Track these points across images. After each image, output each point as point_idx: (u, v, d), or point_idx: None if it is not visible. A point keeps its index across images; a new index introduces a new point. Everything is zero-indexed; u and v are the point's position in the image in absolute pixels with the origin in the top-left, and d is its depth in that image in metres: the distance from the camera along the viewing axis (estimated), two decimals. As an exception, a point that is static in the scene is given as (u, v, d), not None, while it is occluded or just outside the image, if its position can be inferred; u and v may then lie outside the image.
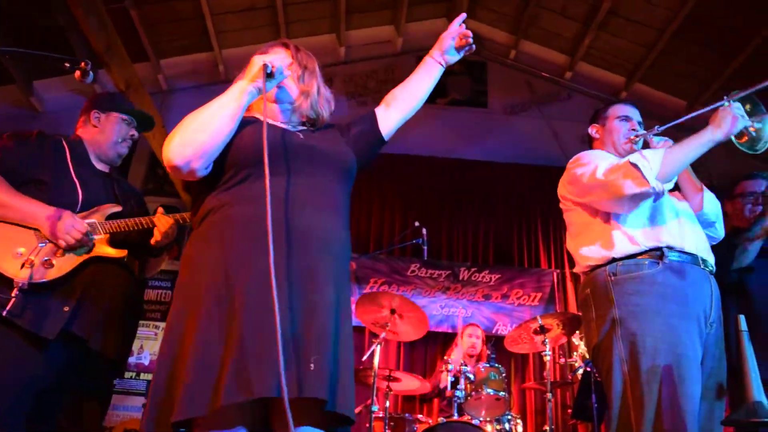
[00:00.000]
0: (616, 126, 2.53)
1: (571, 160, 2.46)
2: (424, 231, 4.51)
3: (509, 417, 4.51)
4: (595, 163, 2.26)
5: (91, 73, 2.41)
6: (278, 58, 1.76)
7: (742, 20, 5.80)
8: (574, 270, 2.43)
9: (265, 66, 1.69)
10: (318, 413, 1.50)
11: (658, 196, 2.13)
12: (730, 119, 2.09)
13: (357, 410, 4.50)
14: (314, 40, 6.67)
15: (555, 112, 7.00)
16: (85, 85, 6.12)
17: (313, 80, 1.93)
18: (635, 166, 2.10)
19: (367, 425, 4.15)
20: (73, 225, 2.29)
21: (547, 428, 4.22)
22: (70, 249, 2.30)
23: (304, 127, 1.90)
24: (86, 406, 2.36)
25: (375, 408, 4.19)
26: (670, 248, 2.16)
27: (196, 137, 1.63)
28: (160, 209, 2.45)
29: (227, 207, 1.64)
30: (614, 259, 2.19)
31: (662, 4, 5.97)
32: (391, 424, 4.42)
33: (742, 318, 2.04)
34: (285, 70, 1.79)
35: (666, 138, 2.41)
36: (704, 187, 2.41)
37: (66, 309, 2.22)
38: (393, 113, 1.97)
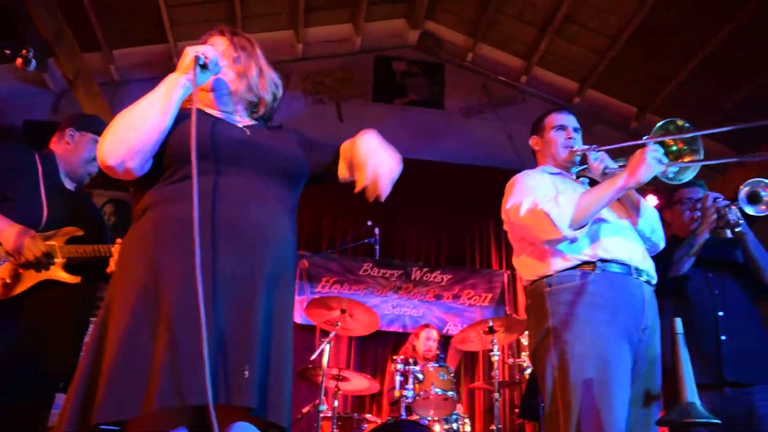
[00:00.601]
0: (552, 137, 2.56)
1: (509, 182, 2.49)
2: (376, 230, 4.52)
3: (457, 416, 4.55)
4: (519, 200, 2.30)
5: (33, 60, 2.41)
6: (211, 48, 1.68)
7: (692, 30, 5.97)
8: (521, 283, 2.49)
9: (197, 57, 1.62)
10: (253, 417, 1.47)
11: (573, 239, 2.18)
12: (644, 167, 2.11)
13: (305, 409, 4.48)
14: (272, 36, 6.60)
15: (510, 116, 7.08)
16: (33, 74, 5.95)
17: (251, 62, 1.85)
18: (548, 214, 2.15)
19: (315, 425, 4.13)
20: (35, 243, 2.35)
21: (494, 428, 4.27)
22: (27, 266, 2.36)
23: (253, 122, 1.84)
24: (27, 413, 2.42)
25: (323, 407, 4.18)
26: (602, 260, 2.21)
27: (129, 136, 1.57)
28: (119, 240, 2.47)
29: (163, 205, 1.59)
30: (550, 274, 2.25)
31: (616, 12, 6.09)
32: (339, 423, 4.41)
33: (678, 321, 2.09)
34: (221, 60, 1.72)
35: (602, 158, 2.42)
36: (641, 202, 2.43)
37: (16, 327, 2.31)
38: (347, 173, 1.91)
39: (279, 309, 1.56)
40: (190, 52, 1.64)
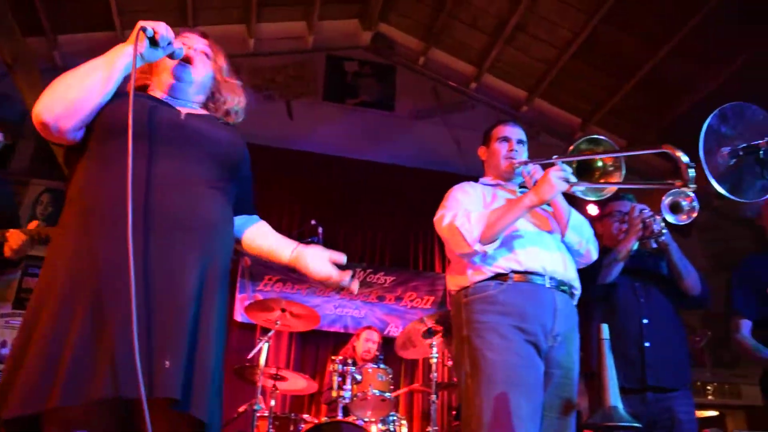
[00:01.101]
0: (496, 148, 2.61)
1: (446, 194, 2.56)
2: (320, 230, 4.49)
3: (394, 418, 4.56)
4: (443, 213, 2.40)
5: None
6: (165, 26, 1.62)
7: (635, 47, 6.17)
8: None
9: (143, 29, 1.57)
10: (174, 417, 1.42)
11: (484, 254, 2.27)
12: (547, 187, 2.20)
13: (241, 409, 4.41)
14: (223, 29, 6.53)
15: (459, 121, 7.16)
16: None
17: (222, 66, 1.90)
18: (459, 230, 2.25)
19: (251, 424, 4.09)
20: None
21: (430, 429, 4.29)
22: None
23: (201, 111, 1.80)
24: None
25: (259, 407, 4.13)
26: (515, 272, 2.29)
27: (68, 94, 1.53)
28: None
29: (92, 187, 1.54)
30: (467, 285, 2.35)
31: (565, 26, 6.24)
32: (276, 423, 4.36)
33: (604, 327, 2.15)
34: (175, 42, 1.67)
35: (533, 172, 2.47)
36: (571, 215, 2.48)
37: None
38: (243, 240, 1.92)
39: (208, 300, 1.51)
40: (140, 24, 1.59)
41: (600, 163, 2.29)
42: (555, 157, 2.30)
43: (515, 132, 2.63)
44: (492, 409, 2.07)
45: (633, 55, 6.29)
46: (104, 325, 1.36)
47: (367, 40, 7.24)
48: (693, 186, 1.91)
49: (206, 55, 1.85)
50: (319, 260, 1.79)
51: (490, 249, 2.25)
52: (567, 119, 7.21)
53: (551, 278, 2.31)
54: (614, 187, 2.29)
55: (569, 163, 2.27)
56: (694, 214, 2.77)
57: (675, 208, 2.79)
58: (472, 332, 2.23)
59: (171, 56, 1.70)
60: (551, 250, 2.38)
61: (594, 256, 2.55)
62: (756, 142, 2.10)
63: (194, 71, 1.78)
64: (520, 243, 2.36)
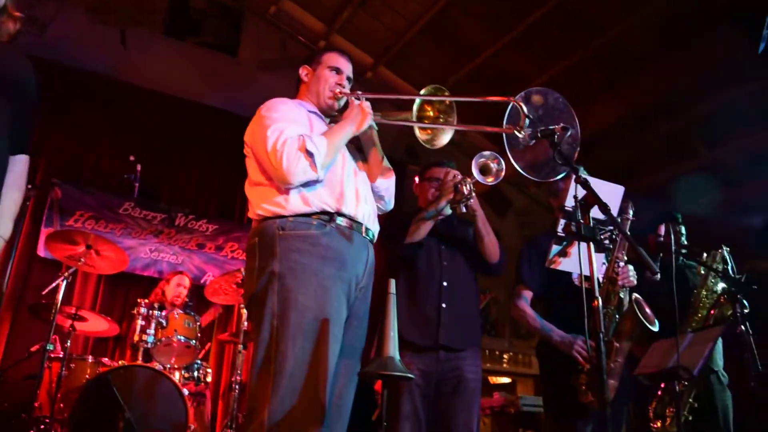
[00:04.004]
0: (325, 74, 2.49)
1: (264, 107, 2.38)
2: (138, 167, 4.26)
3: (199, 365, 4.50)
4: (281, 129, 2.21)
5: None
6: None
7: (478, 33, 6.45)
8: (248, 214, 2.38)
9: None
10: None
11: (321, 181, 2.22)
12: (362, 116, 2.28)
13: (33, 349, 4.12)
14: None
15: (303, 77, 7.05)
16: None
17: None
18: (311, 155, 2.14)
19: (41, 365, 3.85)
20: None
21: (234, 379, 4.30)
22: None
23: None
24: None
25: (51, 347, 3.89)
26: (339, 214, 2.24)
27: None
28: None
29: None
30: (286, 215, 2.20)
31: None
32: (72, 366, 4.14)
33: (392, 282, 2.23)
34: None
35: (366, 102, 2.43)
36: (385, 161, 2.52)
37: None
38: None
39: None
40: None
41: (431, 113, 2.42)
42: (359, 92, 2.37)
43: (348, 67, 2.54)
44: (298, 356, 2.02)
45: (475, 40, 6.57)
46: None
47: (218, -21, 6.89)
48: (524, 133, 2.08)
49: None
50: None
51: (322, 175, 2.19)
52: (408, 91, 7.36)
53: (367, 228, 2.32)
54: (438, 127, 2.42)
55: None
56: (502, 174, 2.93)
57: (484, 171, 2.94)
58: (287, 271, 2.10)
59: None
60: (368, 197, 2.39)
61: (391, 206, 2.61)
62: (552, 127, 2.29)
63: None
64: (348, 183, 2.31)
